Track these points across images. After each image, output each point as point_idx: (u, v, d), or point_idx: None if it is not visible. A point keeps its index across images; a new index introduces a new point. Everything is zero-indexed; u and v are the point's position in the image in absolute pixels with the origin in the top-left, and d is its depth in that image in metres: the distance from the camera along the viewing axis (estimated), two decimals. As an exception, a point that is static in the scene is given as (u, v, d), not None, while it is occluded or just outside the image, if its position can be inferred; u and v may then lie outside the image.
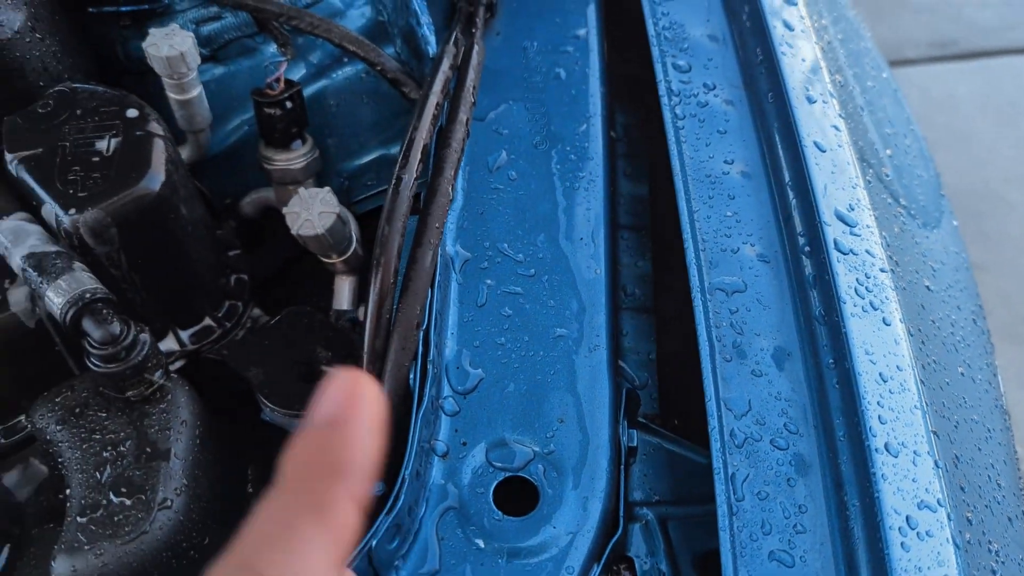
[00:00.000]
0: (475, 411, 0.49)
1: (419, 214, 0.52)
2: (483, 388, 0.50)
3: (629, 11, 0.72)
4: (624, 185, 0.66)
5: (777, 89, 0.56)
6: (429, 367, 0.49)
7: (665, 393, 0.59)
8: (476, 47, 0.61)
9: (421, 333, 0.49)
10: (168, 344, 0.59)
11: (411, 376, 0.47)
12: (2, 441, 0.54)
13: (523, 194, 0.58)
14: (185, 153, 0.65)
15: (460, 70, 0.60)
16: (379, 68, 0.61)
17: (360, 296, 0.62)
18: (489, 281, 0.55)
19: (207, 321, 0.60)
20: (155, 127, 0.54)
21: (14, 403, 0.54)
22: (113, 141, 0.53)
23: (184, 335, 0.59)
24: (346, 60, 0.67)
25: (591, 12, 0.68)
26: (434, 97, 0.56)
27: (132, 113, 0.55)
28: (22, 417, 0.54)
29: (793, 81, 0.56)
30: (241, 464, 0.57)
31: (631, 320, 0.61)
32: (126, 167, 0.52)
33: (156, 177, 0.53)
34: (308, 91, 0.67)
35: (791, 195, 0.53)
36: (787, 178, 0.54)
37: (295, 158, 0.63)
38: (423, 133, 0.53)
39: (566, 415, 0.49)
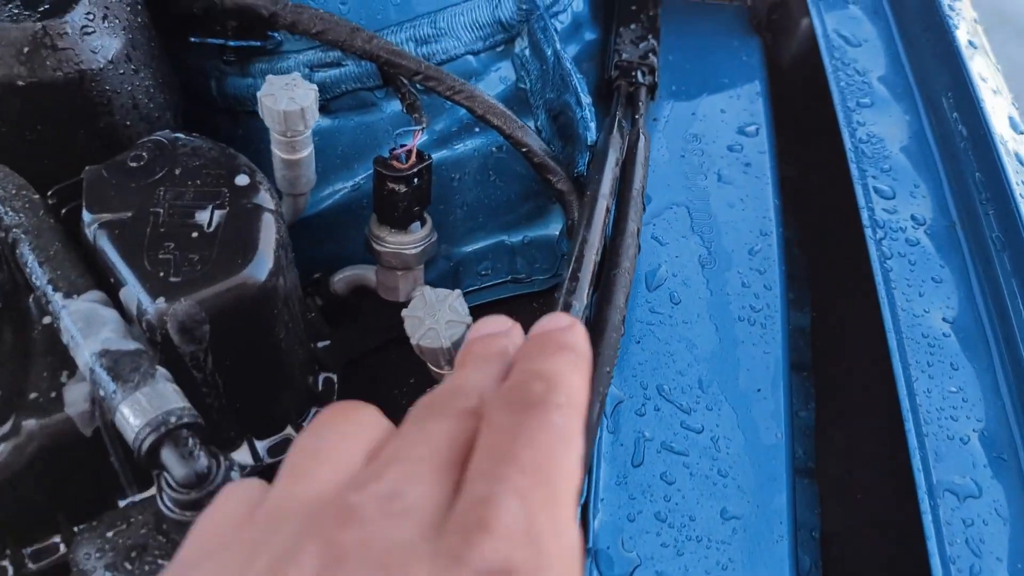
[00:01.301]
0: (638, 616, 0.39)
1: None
2: (645, 584, 0.40)
3: (799, 109, 0.63)
4: (794, 312, 0.57)
5: (1013, 237, 0.47)
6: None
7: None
8: (642, 137, 0.52)
9: (579, 509, 0.39)
10: (241, 456, 0.48)
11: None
12: (30, 567, 0.43)
13: (687, 324, 0.49)
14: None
15: (626, 165, 0.50)
16: (525, 151, 0.51)
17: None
18: (647, 433, 0.45)
19: (289, 430, 0.50)
20: (266, 199, 0.45)
21: (50, 518, 0.44)
22: (217, 213, 0.43)
23: (261, 446, 0.49)
24: (476, 129, 0.57)
25: (760, 107, 0.59)
26: (603, 201, 0.46)
27: (242, 180, 0.45)
28: (56, 537, 0.44)
29: (1034, 233, 0.47)
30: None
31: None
32: (230, 248, 0.42)
33: (264, 264, 0.43)
34: (428, 160, 0.57)
35: (1034, 377, 0.43)
36: (1028, 354, 0.44)
37: (412, 243, 0.53)
38: (594, 247, 0.43)
39: (751, 633, 0.39)
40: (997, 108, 0.52)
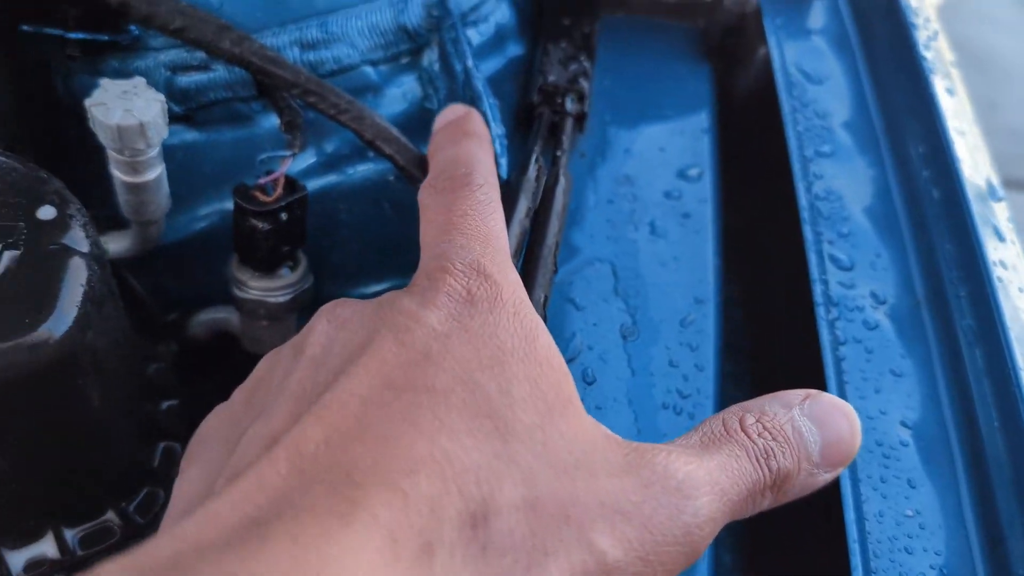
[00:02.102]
0: None
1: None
2: None
3: (751, 151, 0.55)
4: (729, 389, 0.49)
5: (987, 329, 0.40)
6: None
7: None
8: (562, 180, 0.44)
9: None
10: (44, 547, 0.39)
11: None
12: None
13: (601, 410, 0.40)
14: (122, 244, 0.46)
15: (538, 216, 0.42)
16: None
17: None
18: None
19: (110, 515, 0.40)
20: (77, 238, 0.35)
21: None
22: (7, 255, 0.34)
23: (71, 535, 0.39)
24: (371, 153, 0.49)
25: (706, 146, 0.51)
26: (505, 261, 0.37)
27: (47, 213, 0.35)
28: None
29: (1013, 320, 0.39)
30: None
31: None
32: (18, 301, 0.33)
33: (63, 320, 0.33)
34: (311, 187, 0.48)
35: (1008, 506, 0.36)
36: (1002, 476, 0.37)
37: (280, 289, 0.44)
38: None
39: None
40: (975, 169, 0.45)
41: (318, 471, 0.23)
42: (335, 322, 0.29)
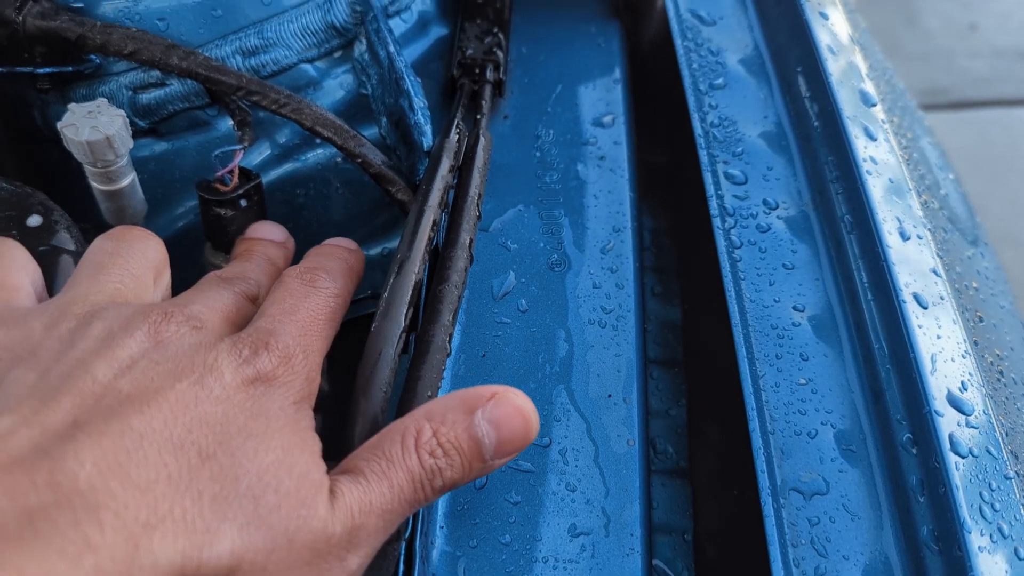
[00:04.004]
0: (473, 652, 0.37)
1: (407, 376, 0.40)
2: (483, 617, 0.38)
3: (661, 93, 0.61)
4: (652, 307, 0.55)
5: (861, 218, 0.45)
6: (413, 587, 0.36)
7: (705, 587, 0.47)
8: (482, 139, 0.49)
9: (403, 545, 0.37)
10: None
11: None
12: None
13: (536, 332, 0.46)
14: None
15: (462, 172, 0.48)
16: (360, 161, 0.49)
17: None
18: (491, 452, 0.42)
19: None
20: (64, 239, 0.42)
21: None
22: (4, 259, 0.40)
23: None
24: (318, 141, 0.55)
25: (618, 95, 0.57)
26: (430, 213, 0.43)
27: (34, 221, 0.42)
28: None
29: (882, 211, 0.45)
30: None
31: (662, 487, 0.50)
32: (20, 296, 0.39)
33: (61, 308, 0.40)
34: (270, 177, 0.55)
35: (884, 365, 0.42)
36: (879, 341, 0.42)
37: (250, 267, 0.50)
38: (415, 266, 0.41)
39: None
40: (848, 80, 0.50)
41: (73, 493, 0.24)
42: (155, 338, 0.30)
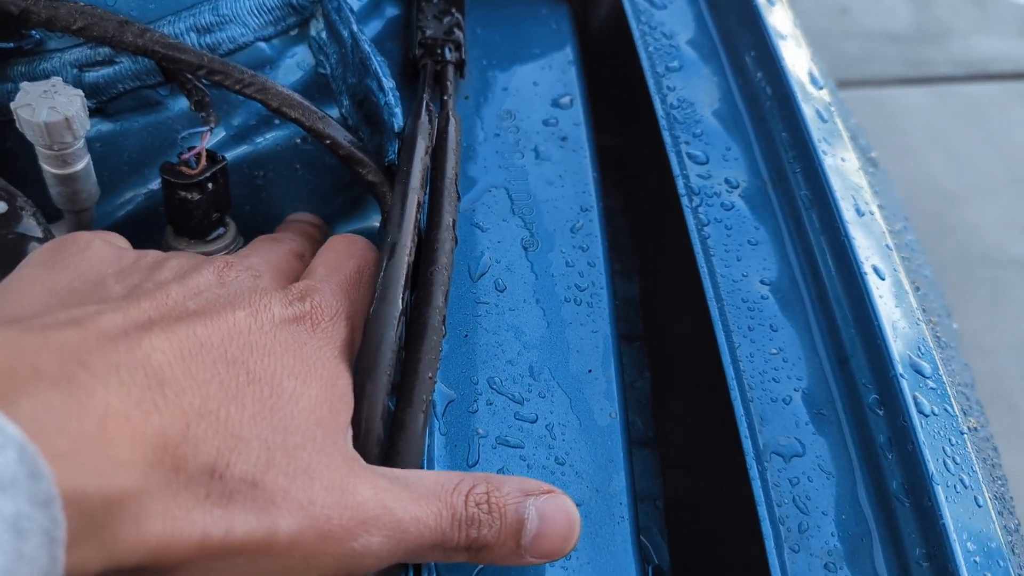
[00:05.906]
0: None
1: (406, 358, 0.40)
2: (490, 590, 0.38)
3: (611, 75, 0.62)
4: (617, 285, 0.56)
5: (820, 195, 0.48)
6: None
7: (678, 550, 0.49)
8: (452, 120, 0.50)
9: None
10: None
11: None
12: None
13: (514, 311, 0.47)
14: (58, 233, 0.50)
15: (436, 153, 0.48)
16: (329, 143, 0.48)
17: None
18: (480, 430, 0.43)
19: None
20: (30, 226, 0.40)
21: None
22: (-31, 248, 0.38)
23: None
24: (276, 121, 0.53)
25: (573, 76, 0.58)
26: (414, 195, 0.43)
27: (-2, 207, 0.39)
28: None
29: (839, 186, 0.48)
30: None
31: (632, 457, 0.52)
32: (-10, 287, 0.37)
33: (33, 299, 0.38)
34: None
35: (849, 333, 0.44)
36: (843, 311, 0.45)
37: (215, 252, 0.49)
38: (407, 248, 0.41)
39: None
40: (797, 64, 0.53)
41: (147, 364, 0.28)
42: (218, 274, 0.35)
